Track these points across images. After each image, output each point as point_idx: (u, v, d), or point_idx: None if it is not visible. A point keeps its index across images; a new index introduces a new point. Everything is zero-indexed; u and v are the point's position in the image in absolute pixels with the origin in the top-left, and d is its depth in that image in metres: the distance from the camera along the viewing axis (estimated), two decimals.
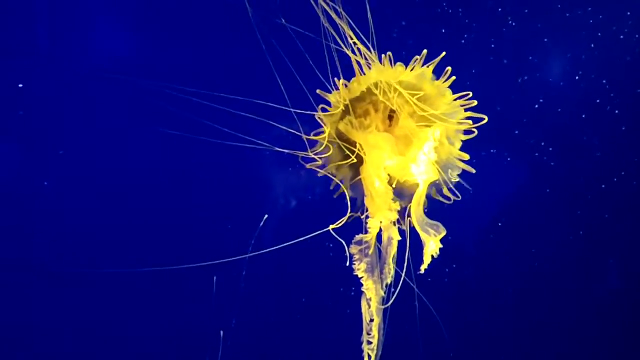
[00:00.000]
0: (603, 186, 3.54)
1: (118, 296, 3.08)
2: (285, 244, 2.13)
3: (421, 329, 2.70)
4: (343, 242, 1.99)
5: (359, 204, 2.17)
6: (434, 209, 2.84)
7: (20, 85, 2.97)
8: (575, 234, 3.59)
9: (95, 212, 3.12)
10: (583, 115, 3.44)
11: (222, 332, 2.75)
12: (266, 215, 2.51)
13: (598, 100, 3.43)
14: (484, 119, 2.08)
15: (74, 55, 3.01)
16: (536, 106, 3.40)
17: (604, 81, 3.40)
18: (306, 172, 2.68)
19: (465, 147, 3.36)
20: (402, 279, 2.11)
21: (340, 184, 2.14)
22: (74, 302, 3.09)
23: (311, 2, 1.99)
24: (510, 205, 3.52)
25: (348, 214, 2.07)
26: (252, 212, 3.02)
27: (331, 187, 2.20)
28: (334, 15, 1.98)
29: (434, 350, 3.22)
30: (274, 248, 2.21)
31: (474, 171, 2.22)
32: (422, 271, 2.00)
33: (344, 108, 2.02)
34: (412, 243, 2.14)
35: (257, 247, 2.31)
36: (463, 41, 3.26)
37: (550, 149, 3.45)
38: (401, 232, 2.12)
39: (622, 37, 3.35)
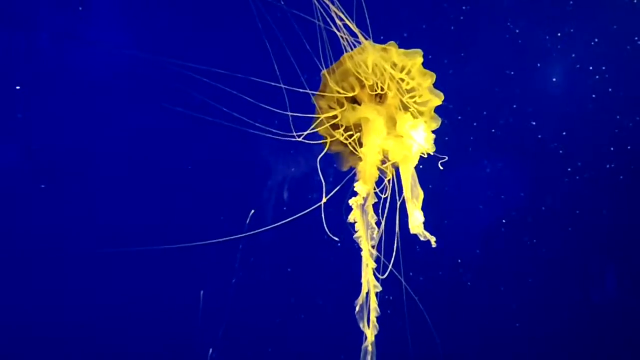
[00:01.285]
0: (603, 193, 3.55)
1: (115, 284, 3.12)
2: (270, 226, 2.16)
3: (412, 330, 2.71)
4: (327, 229, 2.02)
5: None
6: (433, 214, 2.85)
7: (18, 87, 3.01)
8: (575, 240, 3.59)
9: (91, 213, 3.15)
10: (584, 120, 3.46)
11: (211, 350, 2.76)
12: (253, 211, 2.53)
13: (600, 106, 3.44)
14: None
15: (72, 58, 3.06)
16: (532, 112, 3.41)
17: (603, 84, 3.43)
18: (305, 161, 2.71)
19: (465, 154, 3.40)
20: (388, 271, 2.13)
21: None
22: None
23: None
24: (510, 211, 3.52)
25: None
26: (250, 198, 3.05)
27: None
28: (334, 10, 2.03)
29: (425, 351, 3.21)
30: (264, 229, 2.23)
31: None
32: (433, 241, 2.02)
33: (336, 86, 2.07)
34: (403, 239, 2.17)
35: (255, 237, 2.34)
36: (463, 54, 3.31)
37: (553, 152, 3.46)
38: (391, 231, 2.16)
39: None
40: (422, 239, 2.04)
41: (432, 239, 2.02)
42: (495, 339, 3.61)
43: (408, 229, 2.17)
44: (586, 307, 3.65)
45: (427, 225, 2.97)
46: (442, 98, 2.12)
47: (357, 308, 1.98)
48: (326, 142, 2.25)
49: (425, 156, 2.20)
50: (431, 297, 3.36)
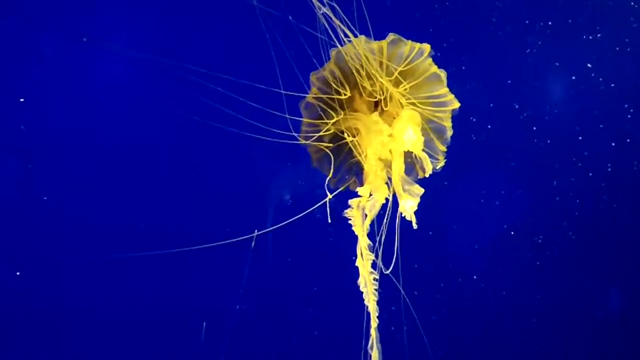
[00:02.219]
0: (607, 209, 3.55)
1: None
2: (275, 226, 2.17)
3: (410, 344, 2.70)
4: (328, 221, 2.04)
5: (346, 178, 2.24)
6: (435, 230, 2.86)
7: (22, 100, 3.04)
8: (578, 257, 3.58)
9: (94, 223, 3.15)
10: (580, 138, 3.47)
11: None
12: (256, 231, 2.54)
13: (601, 122, 3.46)
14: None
15: (76, 70, 3.09)
16: (535, 127, 3.43)
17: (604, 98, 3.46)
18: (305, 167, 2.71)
19: (468, 168, 3.40)
20: (390, 270, 2.14)
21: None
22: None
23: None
24: (514, 227, 3.51)
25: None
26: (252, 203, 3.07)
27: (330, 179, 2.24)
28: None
29: None
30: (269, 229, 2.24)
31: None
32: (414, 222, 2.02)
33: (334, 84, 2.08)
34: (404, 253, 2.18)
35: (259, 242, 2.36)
36: (463, 67, 3.34)
37: (555, 169, 3.47)
38: (392, 237, 2.17)
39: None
40: (404, 215, 2.05)
41: (414, 222, 2.03)
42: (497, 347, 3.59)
43: (408, 239, 2.19)
44: (591, 318, 3.63)
45: (431, 233, 2.98)
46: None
47: (361, 285, 1.99)
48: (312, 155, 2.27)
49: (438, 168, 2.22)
50: (432, 307, 3.34)
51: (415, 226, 2.00)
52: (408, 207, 1.97)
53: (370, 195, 2.06)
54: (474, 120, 3.29)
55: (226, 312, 3.05)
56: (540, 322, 3.57)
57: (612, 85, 3.39)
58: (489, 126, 3.31)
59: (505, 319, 3.55)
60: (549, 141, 3.40)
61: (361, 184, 2.19)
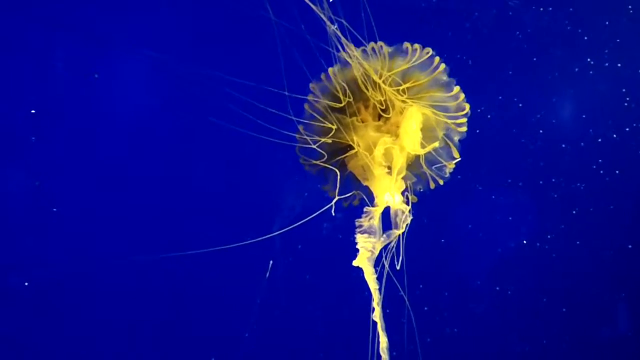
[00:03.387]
0: (616, 224, 3.53)
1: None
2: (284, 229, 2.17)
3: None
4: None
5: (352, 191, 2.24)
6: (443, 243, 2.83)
7: (33, 112, 3.07)
8: (586, 274, 3.56)
9: (101, 235, 3.16)
10: (599, 140, 3.46)
11: None
12: (271, 262, 2.54)
13: (614, 135, 3.48)
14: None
15: (86, 82, 3.12)
16: (541, 130, 3.43)
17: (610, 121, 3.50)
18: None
19: (476, 183, 3.39)
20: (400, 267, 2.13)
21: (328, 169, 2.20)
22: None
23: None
24: (521, 244, 3.49)
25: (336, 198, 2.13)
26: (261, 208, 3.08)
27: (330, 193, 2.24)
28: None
29: None
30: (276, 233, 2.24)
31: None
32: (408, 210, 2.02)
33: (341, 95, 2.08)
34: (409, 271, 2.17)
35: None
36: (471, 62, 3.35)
37: (563, 185, 3.46)
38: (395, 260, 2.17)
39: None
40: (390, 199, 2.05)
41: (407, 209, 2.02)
42: None
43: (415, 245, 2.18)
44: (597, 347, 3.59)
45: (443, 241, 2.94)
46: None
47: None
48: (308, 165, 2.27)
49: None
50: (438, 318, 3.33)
51: (406, 212, 1.99)
52: (396, 201, 1.98)
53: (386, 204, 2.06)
54: (479, 110, 3.28)
55: (233, 315, 3.04)
56: (547, 334, 3.54)
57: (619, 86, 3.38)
58: (489, 116, 3.30)
59: (510, 328, 3.52)
60: (563, 145, 3.39)
61: (370, 197, 2.18)
